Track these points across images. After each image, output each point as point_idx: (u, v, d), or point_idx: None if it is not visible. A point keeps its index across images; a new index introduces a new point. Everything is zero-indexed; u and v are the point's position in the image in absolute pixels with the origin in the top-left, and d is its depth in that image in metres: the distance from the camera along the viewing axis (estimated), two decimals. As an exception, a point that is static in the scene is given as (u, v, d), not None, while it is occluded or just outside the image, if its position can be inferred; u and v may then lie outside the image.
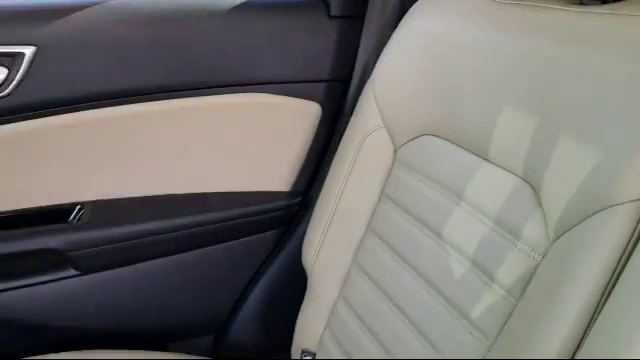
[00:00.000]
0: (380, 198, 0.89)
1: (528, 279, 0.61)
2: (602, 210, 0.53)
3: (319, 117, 1.10)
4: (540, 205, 0.62)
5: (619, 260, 0.52)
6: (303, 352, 0.94)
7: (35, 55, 0.90)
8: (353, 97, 1.00)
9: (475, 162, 0.73)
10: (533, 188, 0.63)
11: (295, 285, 1.01)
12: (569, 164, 0.59)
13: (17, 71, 0.89)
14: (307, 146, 1.12)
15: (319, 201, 0.97)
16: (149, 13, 0.96)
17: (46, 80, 0.92)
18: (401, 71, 0.89)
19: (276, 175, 1.11)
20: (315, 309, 0.94)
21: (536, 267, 0.60)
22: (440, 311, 0.71)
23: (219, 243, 1.09)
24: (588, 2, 0.68)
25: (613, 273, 0.52)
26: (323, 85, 1.08)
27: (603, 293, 0.52)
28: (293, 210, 1.12)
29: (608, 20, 0.63)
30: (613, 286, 0.51)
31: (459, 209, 0.73)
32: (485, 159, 0.71)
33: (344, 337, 0.88)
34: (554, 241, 0.59)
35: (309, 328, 0.94)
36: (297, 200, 1.12)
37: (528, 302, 0.60)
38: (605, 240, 0.52)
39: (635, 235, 0.51)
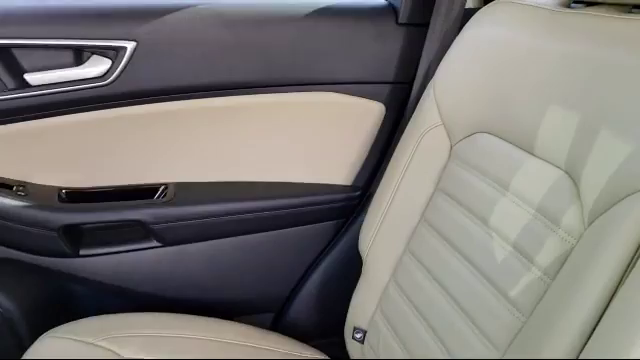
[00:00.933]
0: (434, 190, 0.96)
1: (563, 261, 0.67)
2: (628, 196, 0.59)
3: (383, 117, 1.18)
4: (578, 194, 0.68)
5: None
6: (355, 329, 1.02)
7: (135, 49, 1.03)
8: (415, 98, 1.08)
9: (522, 157, 0.79)
10: (573, 179, 0.69)
11: (351, 272, 1.09)
12: (605, 156, 0.64)
13: (119, 63, 1.03)
14: (370, 144, 1.20)
15: (378, 191, 1.05)
16: (233, 16, 1.07)
17: (143, 72, 1.05)
18: (460, 74, 0.96)
19: (339, 169, 1.20)
20: (368, 290, 1.02)
21: (571, 250, 0.66)
22: (482, 291, 0.78)
23: (283, 228, 1.19)
24: (637, 11, 0.73)
25: (634, 255, 0.57)
26: (388, 87, 1.16)
27: (623, 276, 0.58)
28: (353, 203, 1.21)
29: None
30: (633, 269, 0.57)
31: (505, 199, 0.79)
32: (532, 154, 0.77)
33: (393, 316, 0.95)
34: (588, 226, 0.65)
35: (362, 307, 1.02)
36: (357, 194, 1.21)
37: (559, 282, 0.66)
38: (629, 224, 0.58)
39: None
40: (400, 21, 1.14)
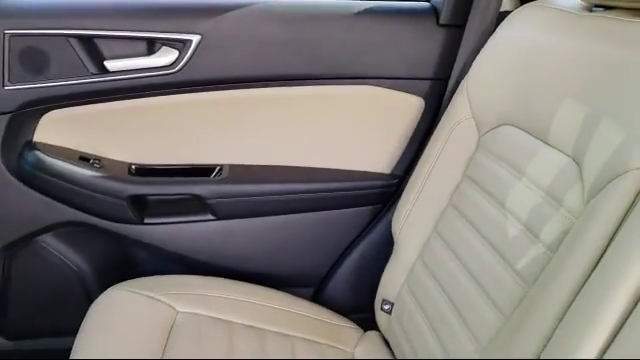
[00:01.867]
0: (462, 178, 1.05)
1: (563, 237, 0.75)
2: (618, 176, 0.66)
3: (422, 110, 1.27)
4: (581, 177, 0.75)
5: (623, 217, 0.65)
6: (384, 301, 1.12)
7: (200, 43, 1.16)
8: (450, 94, 1.16)
9: (538, 146, 0.87)
10: (577, 164, 0.77)
11: (385, 254, 1.18)
12: (603, 142, 0.72)
13: (185, 54, 1.17)
14: (409, 135, 1.29)
15: (411, 178, 1.15)
16: (286, 14, 1.19)
17: (206, 63, 1.18)
18: (490, 72, 1.04)
19: (379, 158, 1.30)
20: (397, 267, 1.11)
21: (571, 227, 0.74)
22: (494, 264, 0.86)
23: (325, 210, 1.30)
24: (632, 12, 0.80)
25: (617, 228, 0.65)
26: (427, 82, 1.25)
27: (604, 249, 0.65)
28: (391, 190, 1.30)
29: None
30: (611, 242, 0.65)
31: (520, 184, 0.87)
32: (546, 143, 0.85)
33: (418, 290, 1.04)
34: (586, 205, 0.72)
35: (391, 282, 1.12)
36: (395, 182, 1.30)
37: (558, 255, 0.73)
38: (615, 200, 0.66)
39: (635, 202, 0.64)
40: (441, 22, 1.23)
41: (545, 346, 0.68)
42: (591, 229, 0.68)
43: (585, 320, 0.63)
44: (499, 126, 0.99)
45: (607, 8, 0.89)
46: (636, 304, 0.60)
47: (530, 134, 0.90)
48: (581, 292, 0.66)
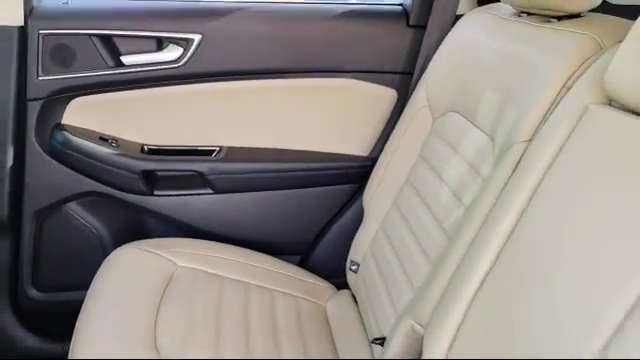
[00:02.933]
0: (418, 158, 1.23)
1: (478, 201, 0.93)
2: (508, 149, 0.85)
3: (394, 100, 1.46)
4: (493, 151, 0.93)
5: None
6: (352, 262, 1.31)
7: (201, 41, 1.37)
8: (414, 86, 1.35)
9: (469, 127, 1.05)
10: (492, 140, 0.95)
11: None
12: (505, 121, 0.90)
13: (188, 50, 1.37)
14: (384, 122, 1.48)
15: (379, 158, 1.33)
16: (276, 16, 1.39)
17: (207, 58, 1.39)
18: (442, 66, 1.22)
19: (356, 142, 1.49)
20: (364, 234, 1.31)
21: (483, 192, 0.92)
22: (430, 225, 1.05)
23: (310, 187, 1.50)
24: (554, 20, 0.97)
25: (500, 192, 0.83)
26: (398, 76, 1.44)
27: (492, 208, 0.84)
28: (366, 171, 1.48)
29: (551, 32, 0.92)
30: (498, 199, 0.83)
31: (454, 159, 1.06)
32: (474, 125, 1.03)
33: (377, 252, 1.23)
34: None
35: (358, 246, 1.31)
36: (370, 164, 1.48)
37: (470, 214, 0.92)
38: (504, 168, 0.84)
39: (515, 169, 0.82)
40: (410, 23, 1.41)
41: (450, 280, 0.86)
42: (487, 192, 0.86)
43: (474, 256, 0.81)
44: (447, 113, 1.17)
45: (529, 14, 1.06)
46: (509, 237, 0.78)
47: (466, 118, 1.09)
48: (475, 241, 0.84)
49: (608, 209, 0.63)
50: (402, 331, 0.96)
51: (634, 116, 0.67)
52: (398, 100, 1.45)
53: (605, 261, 0.61)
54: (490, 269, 0.79)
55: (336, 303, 1.32)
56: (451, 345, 0.81)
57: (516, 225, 0.78)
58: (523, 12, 1.07)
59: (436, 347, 0.83)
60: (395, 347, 0.97)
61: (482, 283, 0.80)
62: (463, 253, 0.86)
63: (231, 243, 1.43)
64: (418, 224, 1.10)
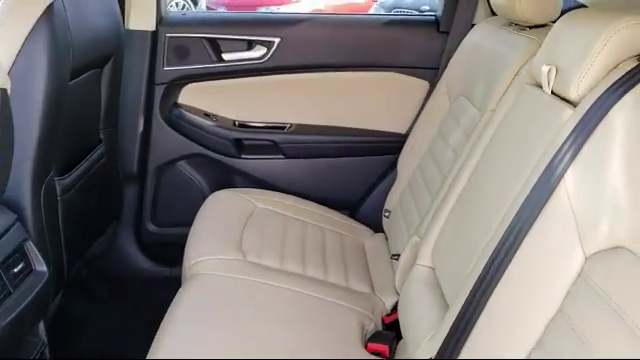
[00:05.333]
0: (437, 132, 1.64)
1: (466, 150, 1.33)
2: (482, 116, 1.25)
3: (426, 90, 1.87)
4: (480, 120, 1.33)
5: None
6: (385, 210, 1.74)
7: (280, 43, 1.84)
8: (439, 78, 1.75)
9: (468, 106, 1.45)
10: (480, 113, 1.35)
11: (399, 187, 1.79)
12: (480, 92, 1.30)
13: (270, 50, 1.85)
14: (418, 107, 1.89)
15: (410, 134, 1.75)
16: (335, 23, 1.85)
17: (284, 56, 1.86)
18: (457, 62, 1.63)
19: (395, 122, 1.91)
20: (395, 189, 1.73)
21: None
22: (436, 175, 1.45)
23: (359, 156, 1.93)
24: (526, 29, 1.36)
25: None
26: (430, 71, 1.84)
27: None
28: (401, 144, 1.89)
29: (519, 37, 1.32)
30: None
31: (457, 128, 1.46)
32: (471, 102, 1.43)
33: (403, 202, 1.65)
34: (470, 134, 1.31)
35: (391, 197, 1.73)
36: (404, 139, 1.88)
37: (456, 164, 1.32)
38: (478, 134, 1.24)
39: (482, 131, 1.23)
40: (440, 29, 1.82)
41: (438, 207, 1.28)
42: (468, 149, 1.27)
43: (452, 190, 1.23)
44: (458, 97, 1.58)
45: (516, 24, 1.45)
46: (469, 179, 1.18)
47: (467, 99, 1.49)
48: (454, 180, 1.25)
49: (516, 160, 1.02)
50: (410, 245, 1.38)
51: (548, 94, 1.04)
52: (429, 90, 1.86)
53: (513, 185, 1.00)
54: (458, 197, 1.20)
55: (372, 241, 1.75)
56: (435, 244, 1.23)
57: (474, 170, 1.18)
58: (512, 23, 1.46)
59: (425, 248, 1.25)
60: (404, 256, 1.39)
61: (453, 207, 1.21)
62: (446, 190, 1.27)
63: (296, 196, 1.89)
64: (430, 176, 1.52)
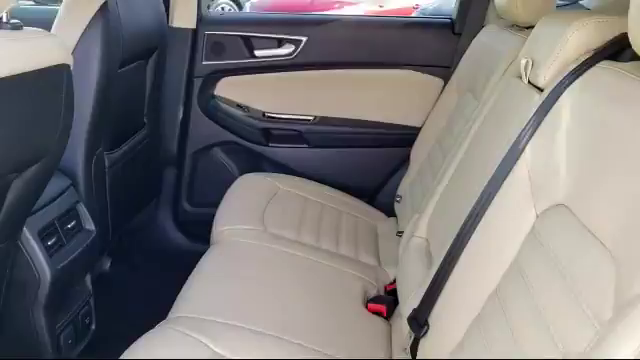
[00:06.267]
0: (446, 123, 1.79)
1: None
2: (477, 105, 1.40)
3: (441, 87, 2.01)
4: (478, 109, 1.48)
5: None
6: (397, 195, 1.89)
7: (306, 41, 2.02)
8: (450, 76, 1.90)
9: (471, 98, 1.60)
10: (477, 101, 1.49)
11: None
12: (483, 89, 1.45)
13: (298, 47, 2.03)
14: (431, 102, 2.04)
15: (423, 126, 1.91)
16: (357, 23, 2.04)
17: (310, 54, 2.04)
18: (465, 60, 1.78)
19: (411, 116, 2.06)
20: (407, 177, 1.88)
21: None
22: (441, 159, 1.60)
23: (378, 147, 2.10)
24: (523, 29, 1.50)
25: None
26: (444, 69, 1.99)
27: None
28: (415, 136, 2.04)
29: (513, 37, 1.46)
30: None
31: (460, 118, 1.61)
32: (474, 96, 1.58)
33: (412, 187, 1.80)
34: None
35: (403, 184, 1.89)
36: (419, 132, 2.04)
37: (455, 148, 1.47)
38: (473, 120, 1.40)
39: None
40: (455, 32, 1.97)
41: (435, 184, 1.43)
42: (466, 134, 1.42)
43: (446, 168, 1.38)
44: (465, 93, 1.73)
45: (517, 25, 1.59)
46: (462, 160, 1.34)
47: (471, 93, 1.64)
48: (450, 161, 1.40)
49: (496, 140, 1.17)
50: (412, 221, 1.53)
51: (525, 84, 1.19)
52: (443, 87, 2.01)
53: (490, 161, 1.15)
54: (451, 176, 1.35)
55: (385, 223, 1.90)
56: (430, 218, 1.38)
57: (465, 152, 1.34)
58: (514, 24, 1.60)
59: (422, 221, 1.41)
60: (406, 232, 1.54)
61: (447, 184, 1.36)
62: (446, 168, 1.43)
63: (317, 182, 2.07)
64: (436, 163, 1.67)
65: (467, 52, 1.81)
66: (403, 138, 2.07)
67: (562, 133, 0.91)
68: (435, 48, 2.00)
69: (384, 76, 2.05)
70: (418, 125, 2.07)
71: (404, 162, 2.08)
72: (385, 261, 1.66)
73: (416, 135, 2.02)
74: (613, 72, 0.88)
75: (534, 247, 0.90)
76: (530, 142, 0.98)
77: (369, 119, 2.10)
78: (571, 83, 0.94)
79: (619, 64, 0.90)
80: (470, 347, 0.95)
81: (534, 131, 0.98)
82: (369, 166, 2.12)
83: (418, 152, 1.89)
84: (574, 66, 0.98)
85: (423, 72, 2.03)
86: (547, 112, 0.96)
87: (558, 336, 0.74)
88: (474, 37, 1.84)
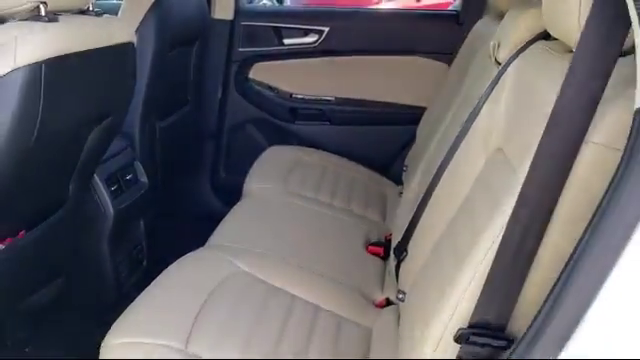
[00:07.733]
0: (446, 103, 2.06)
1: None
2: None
3: (446, 71, 2.28)
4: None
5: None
6: (405, 166, 2.17)
7: (329, 31, 2.32)
8: (453, 60, 2.17)
9: (465, 78, 1.86)
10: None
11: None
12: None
13: (321, 37, 2.33)
14: (438, 85, 2.30)
15: (429, 106, 2.18)
16: (373, 16, 2.31)
17: (331, 42, 2.34)
18: (465, 47, 2.04)
19: (420, 97, 2.33)
20: (413, 150, 2.16)
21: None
22: (439, 135, 1.88)
23: (390, 125, 2.38)
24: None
25: None
26: (449, 56, 2.26)
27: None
28: (420, 115, 2.31)
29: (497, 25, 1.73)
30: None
31: (458, 98, 1.88)
32: (468, 77, 1.85)
33: (415, 157, 2.07)
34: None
35: (409, 157, 2.17)
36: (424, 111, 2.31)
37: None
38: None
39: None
40: (460, 22, 2.24)
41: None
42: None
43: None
44: (463, 76, 1.99)
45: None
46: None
47: (467, 74, 1.90)
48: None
49: (468, 107, 1.44)
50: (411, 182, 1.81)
51: (492, 62, 1.44)
52: (448, 71, 2.28)
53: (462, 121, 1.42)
54: (438, 138, 1.63)
55: (393, 189, 2.19)
56: (421, 174, 1.66)
57: (451, 119, 1.61)
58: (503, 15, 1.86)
59: (415, 178, 1.69)
60: (405, 192, 1.82)
61: (436, 144, 1.64)
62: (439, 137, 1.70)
63: (336, 154, 2.36)
64: (435, 135, 1.94)
65: (466, 40, 2.07)
66: (413, 117, 2.34)
67: (505, 95, 1.19)
68: (442, 37, 2.27)
69: (396, 62, 2.34)
70: (426, 105, 2.34)
71: (413, 138, 2.36)
72: (389, 218, 1.94)
73: (421, 115, 2.29)
74: (543, 49, 1.15)
75: (479, 189, 1.17)
76: (485, 103, 1.25)
77: (382, 100, 2.39)
78: (514, 59, 1.22)
79: (549, 43, 1.16)
80: (427, 268, 1.23)
81: (488, 96, 1.25)
82: (382, 141, 2.40)
83: (423, 127, 2.16)
84: (520, 46, 1.25)
85: (431, 58, 2.30)
86: (498, 80, 1.24)
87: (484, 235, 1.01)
88: (472, 27, 2.10)
